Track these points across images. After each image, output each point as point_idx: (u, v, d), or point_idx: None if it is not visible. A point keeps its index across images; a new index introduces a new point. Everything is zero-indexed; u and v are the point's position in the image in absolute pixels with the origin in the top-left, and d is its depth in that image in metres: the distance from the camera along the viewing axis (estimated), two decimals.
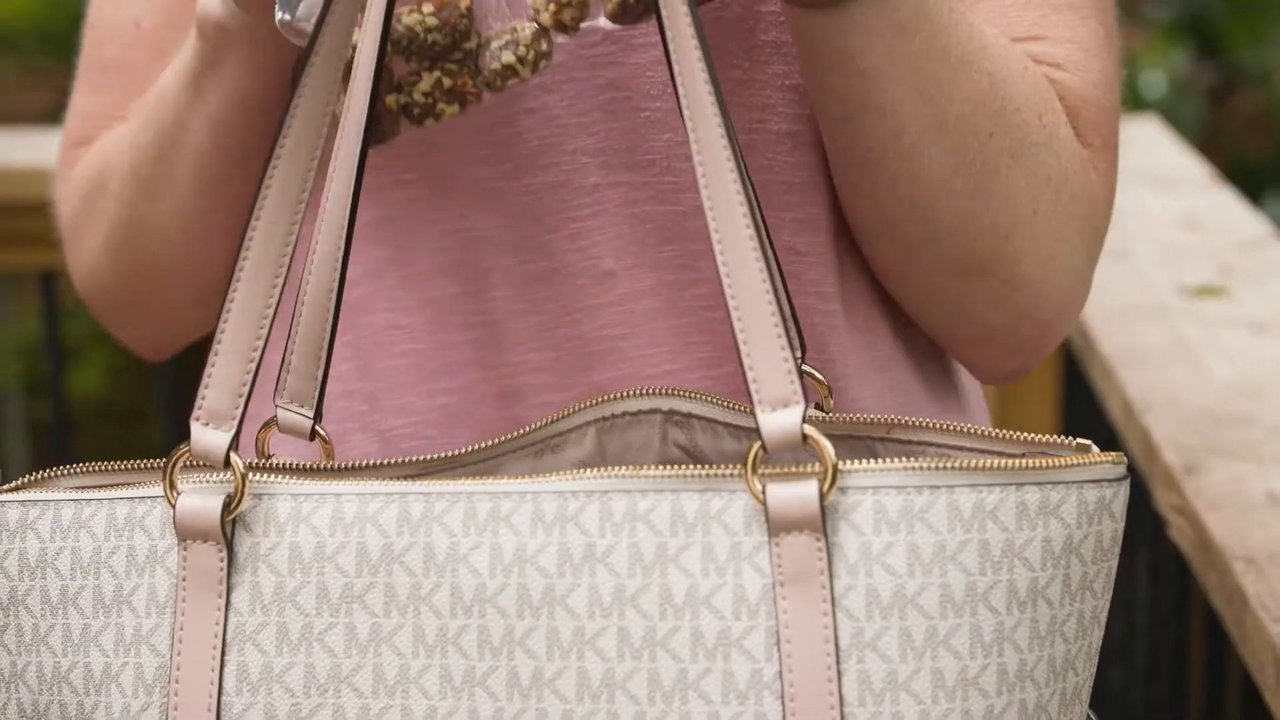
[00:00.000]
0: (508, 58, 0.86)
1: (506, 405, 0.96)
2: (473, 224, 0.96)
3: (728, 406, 0.90)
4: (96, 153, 1.06)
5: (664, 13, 0.78)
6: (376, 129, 0.89)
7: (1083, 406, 2.13)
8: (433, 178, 0.96)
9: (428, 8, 0.86)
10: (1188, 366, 1.70)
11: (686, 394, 0.90)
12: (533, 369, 0.96)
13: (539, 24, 0.88)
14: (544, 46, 0.87)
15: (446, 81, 0.87)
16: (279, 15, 0.87)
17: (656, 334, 0.95)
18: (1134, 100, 4.39)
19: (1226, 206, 2.35)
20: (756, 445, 0.76)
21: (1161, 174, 2.50)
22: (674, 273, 0.95)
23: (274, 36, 0.91)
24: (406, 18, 0.86)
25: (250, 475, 0.81)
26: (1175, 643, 1.74)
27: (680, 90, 0.78)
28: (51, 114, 1.14)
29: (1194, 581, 1.46)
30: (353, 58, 0.83)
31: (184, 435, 0.83)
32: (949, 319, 0.96)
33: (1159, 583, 1.81)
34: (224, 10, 0.92)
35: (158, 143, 0.99)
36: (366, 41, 0.82)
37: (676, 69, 0.78)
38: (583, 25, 0.88)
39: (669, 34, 0.78)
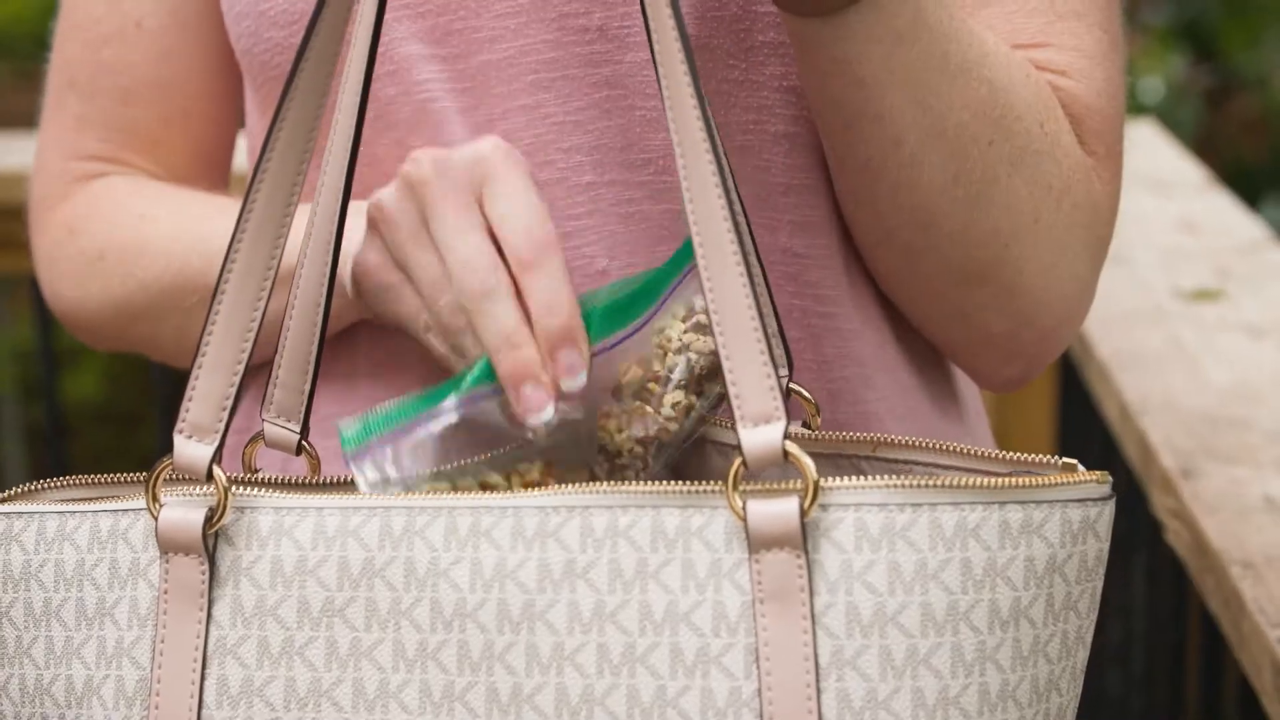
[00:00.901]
0: None
1: None
2: None
3: (713, 424, 0.89)
4: (110, 215, 1.05)
5: (648, 10, 0.77)
6: None
7: (1080, 410, 2.12)
8: None
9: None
10: (1185, 370, 1.70)
11: None
12: None
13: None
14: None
15: None
16: (369, 474, 0.83)
17: None
18: (1131, 104, 4.39)
19: (1223, 210, 2.35)
20: (738, 461, 0.75)
21: (1159, 177, 2.50)
22: None
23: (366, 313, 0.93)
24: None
25: (233, 488, 0.80)
26: (1172, 647, 1.73)
27: (666, 97, 0.77)
28: None
29: (1191, 586, 1.46)
30: (342, 65, 0.82)
31: None
32: (950, 325, 0.96)
33: (1156, 587, 1.81)
34: (350, 294, 0.93)
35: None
36: (356, 54, 0.81)
37: (663, 77, 0.77)
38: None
39: (654, 37, 0.78)
